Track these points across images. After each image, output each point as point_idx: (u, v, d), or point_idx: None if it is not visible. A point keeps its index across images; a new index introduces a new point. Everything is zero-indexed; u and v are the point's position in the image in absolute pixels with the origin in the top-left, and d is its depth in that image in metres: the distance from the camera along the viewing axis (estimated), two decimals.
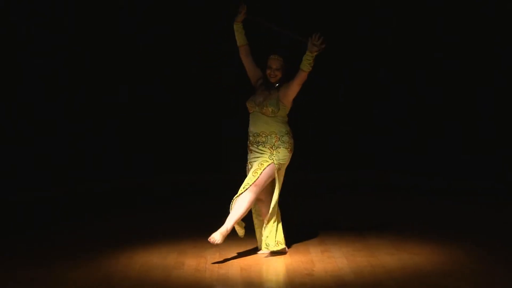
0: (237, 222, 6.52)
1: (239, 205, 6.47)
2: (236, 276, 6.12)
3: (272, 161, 6.55)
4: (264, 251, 6.73)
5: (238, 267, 6.36)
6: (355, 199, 9.72)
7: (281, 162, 6.57)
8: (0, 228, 8.42)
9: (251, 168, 6.64)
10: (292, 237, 6.85)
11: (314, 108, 10.87)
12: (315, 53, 6.43)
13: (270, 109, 6.59)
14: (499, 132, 10.48)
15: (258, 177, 6.50)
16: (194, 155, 11.13)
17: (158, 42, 11.09)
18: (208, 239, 6.41)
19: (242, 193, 6.47)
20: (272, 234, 6.64)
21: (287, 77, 6.63)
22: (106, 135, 11.03)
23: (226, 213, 8.53)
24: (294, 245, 6.92)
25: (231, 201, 6.52)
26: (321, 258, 6.55)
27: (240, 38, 6.74)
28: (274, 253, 6.67)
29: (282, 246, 6.65)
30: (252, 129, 6.68)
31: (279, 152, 6.57)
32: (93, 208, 9.56)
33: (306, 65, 6.46)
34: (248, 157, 6.71)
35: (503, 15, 10.42)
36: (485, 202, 9.16)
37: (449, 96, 10.87)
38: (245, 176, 6.65)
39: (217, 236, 6.41)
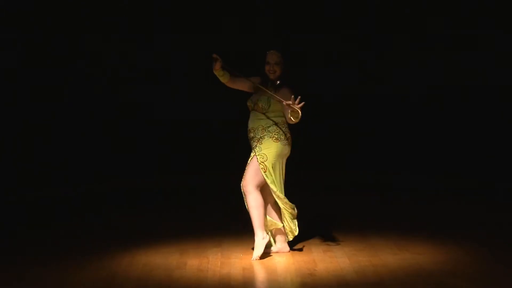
0: (262, 225, 6.57)
1: (250, 211, 6.57)
2: (238, 276, 6.11)
3: (254, 153, 6.61)
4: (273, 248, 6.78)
5: (240, 267, 6.35)
6: (356, 199, 9.72)
7: (264, 152, 6.56)
8: (2, 228, 8.42)
9: None
10: (294, 237, 6.84)
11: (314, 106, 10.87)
12: (295, 120, 6.34)
13: (260, 105, 6.62)
14: (499, 132, 10.49)
15: (245, 174, 6.59)
16: (195, 155, 11.13)
17: None
18: (253, 259, 6.51)
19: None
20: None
21: (288, 74, 6.63)
22: (106, 135, 11.03)
23: (228, 213, 8.56)
24: (296, 245, 6.92)
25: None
26: (323, 257, 6.55)
27: (224, 79, 6.73)
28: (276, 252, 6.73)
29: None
30: (248, 126, 6.73)
31: (261, 143, 6.60)
32: (95, 208, 9.56)
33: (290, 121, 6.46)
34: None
35: None
36: (485, 202, 9.17)
37: (449, 95, 10.90)
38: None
39: (256, 253, 6.50)
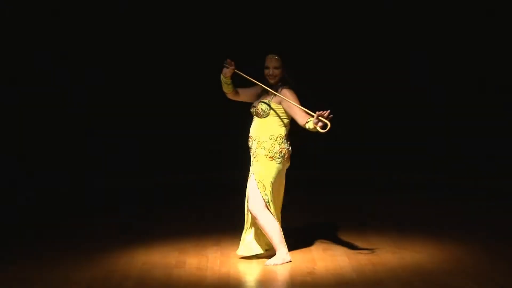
0: (283, 240, 6.38)
1: (265, 231, 6.34)
2: (238, 275, 6.12)
3: (252, 172, 6.41)
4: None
5: (239, 266, 6.36)
6: (356, 198, 9.73)
7: (260, 171, 6.30)
8: (2, 228, 8.43)
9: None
10: (294, 236, 6.85)
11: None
12: (321, 131, 6.04)
13: (260, 108, 6.40)
14: (499, 131, 10.50)
15: (248, 195, 6.40)
16: (194, 155, 11.14)
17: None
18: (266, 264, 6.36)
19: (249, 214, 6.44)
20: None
21: (287, 79, 6.43)
22: (106, 135, 11.05)
23: (226, 212, 8.56)
24: (296, 244, 6.92)
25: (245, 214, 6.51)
26: (323, 256, 6.55)
27: (227, 88, 6.53)
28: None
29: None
30: (249, 133, 6.53)
31: (257, 161, 6.35)
32: (95, 208, 9.57)
33: (310, 128, 6.18)
34: None
35: None
36: (485, 202, 9.17)
37: (452, 95, 10.92)
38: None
39: (274, 261, 6.33)
